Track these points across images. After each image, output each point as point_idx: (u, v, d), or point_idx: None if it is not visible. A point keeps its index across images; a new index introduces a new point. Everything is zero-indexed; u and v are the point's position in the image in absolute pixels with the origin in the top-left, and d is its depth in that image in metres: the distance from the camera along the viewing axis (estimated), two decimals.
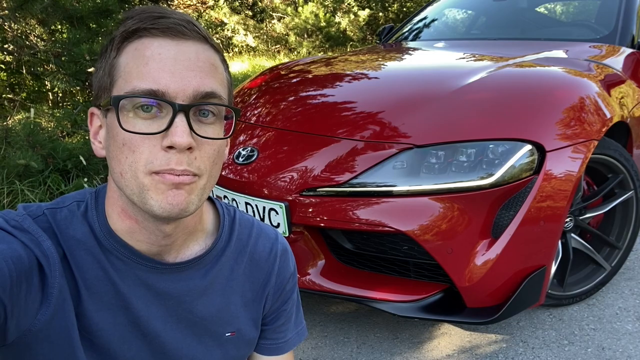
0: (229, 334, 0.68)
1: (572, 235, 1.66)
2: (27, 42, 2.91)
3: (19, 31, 2.92)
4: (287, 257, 0.75)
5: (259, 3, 8.53)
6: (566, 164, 1.42)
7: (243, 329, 0.70)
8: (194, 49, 0.54)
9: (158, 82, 0.51)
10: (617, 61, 2.04)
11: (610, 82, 1.79)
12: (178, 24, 0.53)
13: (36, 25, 2.89)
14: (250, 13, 7.81)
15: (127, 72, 0.52)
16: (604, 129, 1.54)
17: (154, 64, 0.51)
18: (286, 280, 0.74)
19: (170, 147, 0.51)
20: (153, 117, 0.52)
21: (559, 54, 2.03)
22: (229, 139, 0.62)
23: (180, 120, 0.51)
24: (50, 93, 3.97)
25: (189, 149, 0.52)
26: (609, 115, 1.59)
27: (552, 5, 3.12)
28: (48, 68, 2.96)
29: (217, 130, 0.56)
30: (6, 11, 2.65)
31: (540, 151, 1.40)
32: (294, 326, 0.79)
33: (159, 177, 0.52)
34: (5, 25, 2.91)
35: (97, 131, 0.59)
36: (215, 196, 1.69)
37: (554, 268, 1.60)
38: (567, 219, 1.61)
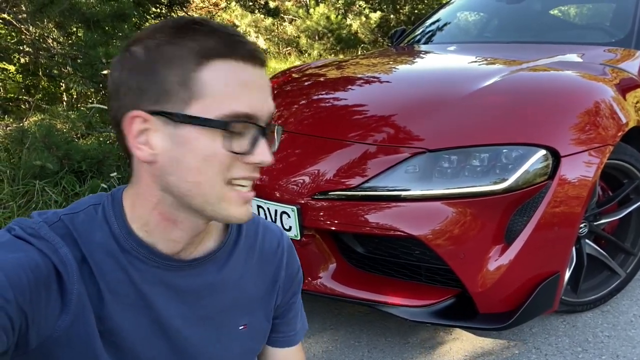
0: (242, 327, 0.71)
1: (587, 241, 1.64)
2: (44, 45, 2.96)
3: (37, 34, 2.97)
4: (292, 252, 0.79)
5: (270, 3, 8.57)
6: (581, 169, 1.40)
7: (255, 322, 0.72)
8: (264, 74, 0.59)
9: (252, 107, 0.56)
10: (632, 65, 2.01)
11: (625, 87, 1.77)
12: (257, 49, 0.58)
13: (53, 29, 2.94)
14: (264, 12, 7.86)
15: (221, 93, 0.54)
16: (619, 134, 1.53)
17: (247, 90, 0.56)
18: (295, 273, 0.78)
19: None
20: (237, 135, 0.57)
21: (573, 57, 2.02)
22: None
23: (264, 140, 0.58)
24: (64, 95, 4.03)
25: None
26: (624, 120, 1.57)
27: (566, 8, 3.09)
28: (65, 70, 3.01)
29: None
30: (24, 14, 2.70)
31: (555, 156, 1.39)
32: (301, 318, 0.83)
33: (236, 194, 0.57)
34: (22, 28, 2.97)
35: (138, 135, 0.55)
36: None
37: (567, 274, 1.58)
38: (582, 225, 1.59)
